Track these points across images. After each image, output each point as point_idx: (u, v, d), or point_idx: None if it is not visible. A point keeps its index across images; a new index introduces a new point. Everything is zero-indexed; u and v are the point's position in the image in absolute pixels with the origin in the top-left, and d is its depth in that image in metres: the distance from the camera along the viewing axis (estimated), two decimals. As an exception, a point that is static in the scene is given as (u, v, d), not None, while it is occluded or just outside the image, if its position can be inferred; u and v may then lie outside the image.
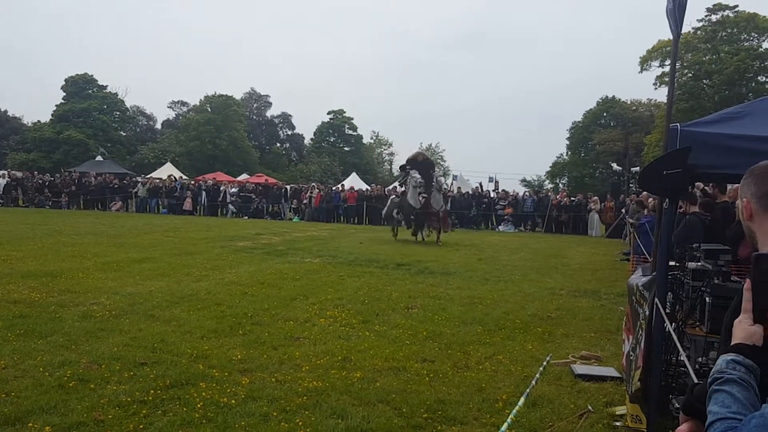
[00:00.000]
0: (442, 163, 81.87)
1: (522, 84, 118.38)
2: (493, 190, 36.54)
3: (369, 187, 38.38)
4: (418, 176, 20.07)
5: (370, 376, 5.75)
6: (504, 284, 11.75)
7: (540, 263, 15.78)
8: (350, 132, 74.03)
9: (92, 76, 66.60)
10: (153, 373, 5.51)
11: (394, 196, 24.30)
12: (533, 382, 5.66)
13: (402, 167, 22.33)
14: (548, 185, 64.86)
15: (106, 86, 67.48)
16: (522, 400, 5.15)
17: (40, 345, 6.27)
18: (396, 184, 23.88)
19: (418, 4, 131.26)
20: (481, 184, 36.69)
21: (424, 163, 21.64)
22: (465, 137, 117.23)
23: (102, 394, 4.95)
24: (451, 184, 42.61)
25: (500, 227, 30.87)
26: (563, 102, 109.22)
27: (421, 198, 20.23)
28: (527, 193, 34.85)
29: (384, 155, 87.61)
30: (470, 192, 34.11)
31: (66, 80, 65.62)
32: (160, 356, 6.07)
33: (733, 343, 1.48)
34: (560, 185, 62.08)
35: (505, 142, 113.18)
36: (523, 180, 70.12)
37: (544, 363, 6.36)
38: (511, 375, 6.06)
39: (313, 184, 37.94)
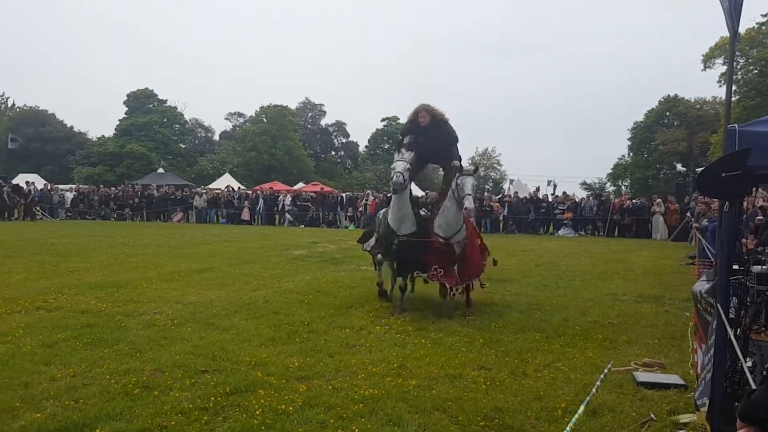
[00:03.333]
0: (498, 167, 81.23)
1: (582, 84, 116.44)
2: (552, 194, 36.04)
3: (424, 194, 38.29)
4: (402, 163, 8.89)
5: (425, 384, 5.74)
6: (563, 290, 11.57)
7: (601, 268, 15.47)
8: (405, 139, 73.94)
9: (152, 90, 68.55)
10: (213, 381, 5.62)
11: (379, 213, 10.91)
12: (593, 390, 5.54)
13: (399, 144, 9.91)
14: (610, 188, 63.56)
15: (166, 100, 69.33)
16: (582, 408, 5.05)
17: (107, 353, 6.46)
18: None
19: (464, 8, 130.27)
20: (538, 188, 36.26)
21: (429, 130, 9.61)
22: (522, 140, 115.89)
23: (165, 401, 5.08)
24: (508, 188, 42.21)
25: (559, 232, 30.31)
26: (624, 102, 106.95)
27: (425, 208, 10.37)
28: (588, 197, 34.23)
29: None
30: (528, 196, 33.70)
31: (128, 95, 67.69)
32: (220, 364, 6.18)
33: None
34: (622, 187, 60.73)
35: (565, 145, 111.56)
36: (584, 183, 68.97)
37: (605, 370, 6.23)
38: (570, 383, 5.97)
39: (368, 191, 38.05)
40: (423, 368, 6.25)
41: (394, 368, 6.21)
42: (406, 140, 9.81)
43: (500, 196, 37.33)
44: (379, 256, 9.93)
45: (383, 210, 10.32)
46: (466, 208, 8.62)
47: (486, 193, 40.15)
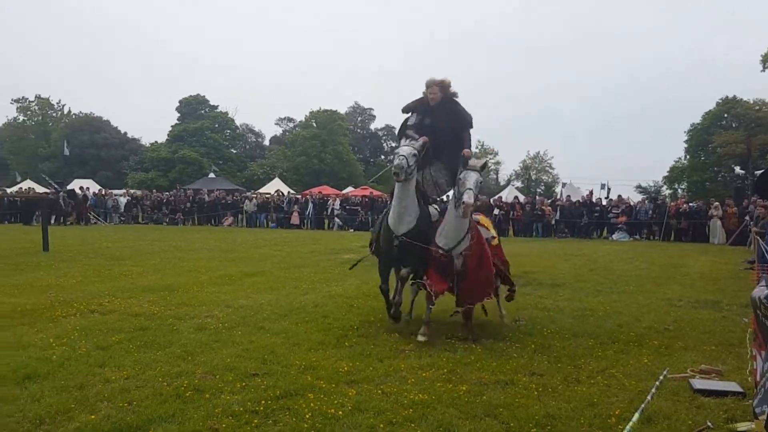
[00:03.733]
0: (550, 171, 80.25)
1: (635, 85, 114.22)
2: (606, 197, 35.46)
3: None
4: (408, 148, 7.50)
5: (476, 390, 5.66)
6: (617, 295, 11.33)
7: (656, 273, 15.12)
8: (454, 142, 73.72)
9: (204, 96, 69.84)
10: (264, 384, 5.64)
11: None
12: (649, 397, 5.41)
13: (402, 128, 8.46)
14: (666, 191, 62.33)
15: (217, 106, 70.55)
16: (636, 415, 4.93)
17: (159, 356, 6.55)
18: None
19: (509, 11, 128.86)
20: (591, 191, 35.70)
21: (438, 111, 8.10)
22: (575, 143, 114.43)
23: (216, 404, 5.11)
24: (560, 192, 41.68)
25: (614, 236, 29.74)
26: (680, 104, 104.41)
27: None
28: (643, 200, 33.55)
29: (489, 164, 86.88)
30: (581, 200, 33.21)
31: (180, 101, 69.18)
32: (270, 367, 6.21)
33: None
34: (679, 191, 59.49)
35: (618, 147, 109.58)
36: (639, 186, 67.57)
37: (661, 377, 6.07)
38: (624, 389, 5.81)
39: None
40: (473, 373, 6.17)
41: (444, 373, 6.15)
42: (411, 120, 8.26)
43: (552, 199, 36.90)
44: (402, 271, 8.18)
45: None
46: (464, 203, 7.12)
47: (538, 197, 39.76)
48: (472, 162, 7.48)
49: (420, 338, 7.47)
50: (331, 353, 6.83)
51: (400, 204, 7.68)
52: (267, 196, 39.34)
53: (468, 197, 7.10)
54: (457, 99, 8.14)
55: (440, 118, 8.01)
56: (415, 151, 7.47)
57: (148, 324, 8.06)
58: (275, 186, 46.42)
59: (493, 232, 8.76)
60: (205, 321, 8.34)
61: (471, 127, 8.20)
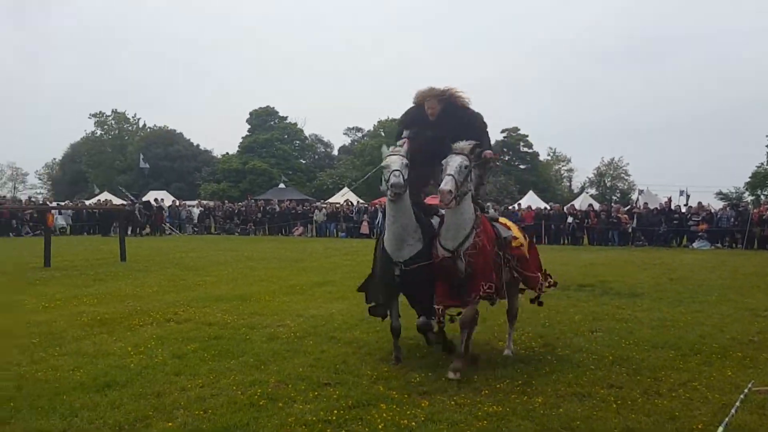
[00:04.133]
0: (625, 177, 78.32)
1: (711, 90, 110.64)
2: (684, 205, 34.37)
3: (547, 206, 37.54)
4: (397, 158, 6.28)
5: (552, 402, 5.52)
6: (699, 305, 10.89)
7: (740, 282, 14.50)
8: (525, 150, 73.15)
9: (273, 108, 71.21)
10: (336, 394, 5.63)
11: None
12: (733, 411, 5.14)
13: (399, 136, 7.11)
14: (748, 197, 60.02)
15: (287, 117, 71.77)
16: (720, 429, 4.69)
17: (233, 365, 6.63)
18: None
19: (584, 12, 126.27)
20: (670, 198, 34.67)
21: (441, 124, 6.93)
22: (651, 149, 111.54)
23: (289, 413, 5.13)
24: (637, 199, 40.67)
25: (694, 244, 28.82)
26: (761, 107, 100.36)
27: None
28: (724, 207, 32.36)
29: (562, 172, 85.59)
30: (658, 207, 32.27)
31: (250, 113, 70.77)
32: (342, 377, 6.21)
33: None
34: (762, 197, 57.22)
35: (697, 153, 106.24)
36: (719, 193, 65.30)
37: (746, 390, 5.77)
38: (707, 403, 5.57)
39: (488, 204, 37.57)
40: (549, 385, 6.03)
41: (519, 385, 6.02)
42: (405, 134, 7.03)
43: (629, 207, 36.03)
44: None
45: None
46: (440, 191, 6.08)
47: (614, 205, 38.90)
48: (459, 145, 6.38)
49: (451, 375, 6.19)
50: (403, 363, 6.77)
51: (395, 224, 6.50)
52: (336, 205, 39.68)
53: (444, 183, 6.06)
54: (462, 104, 7.07)
55: (447, 129, 6.82)
56: (406, 161, 6.36)
57: (221, 333, 8.19)
58: (344, 195, 46.80)
59: (515, 233, 7.43)
60: (277, 330, 8.42)
61: (485, 127, 7.17)
